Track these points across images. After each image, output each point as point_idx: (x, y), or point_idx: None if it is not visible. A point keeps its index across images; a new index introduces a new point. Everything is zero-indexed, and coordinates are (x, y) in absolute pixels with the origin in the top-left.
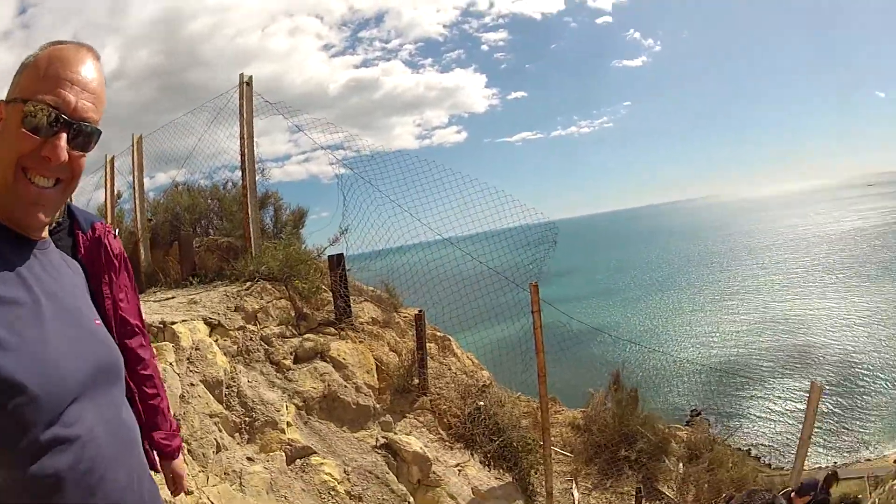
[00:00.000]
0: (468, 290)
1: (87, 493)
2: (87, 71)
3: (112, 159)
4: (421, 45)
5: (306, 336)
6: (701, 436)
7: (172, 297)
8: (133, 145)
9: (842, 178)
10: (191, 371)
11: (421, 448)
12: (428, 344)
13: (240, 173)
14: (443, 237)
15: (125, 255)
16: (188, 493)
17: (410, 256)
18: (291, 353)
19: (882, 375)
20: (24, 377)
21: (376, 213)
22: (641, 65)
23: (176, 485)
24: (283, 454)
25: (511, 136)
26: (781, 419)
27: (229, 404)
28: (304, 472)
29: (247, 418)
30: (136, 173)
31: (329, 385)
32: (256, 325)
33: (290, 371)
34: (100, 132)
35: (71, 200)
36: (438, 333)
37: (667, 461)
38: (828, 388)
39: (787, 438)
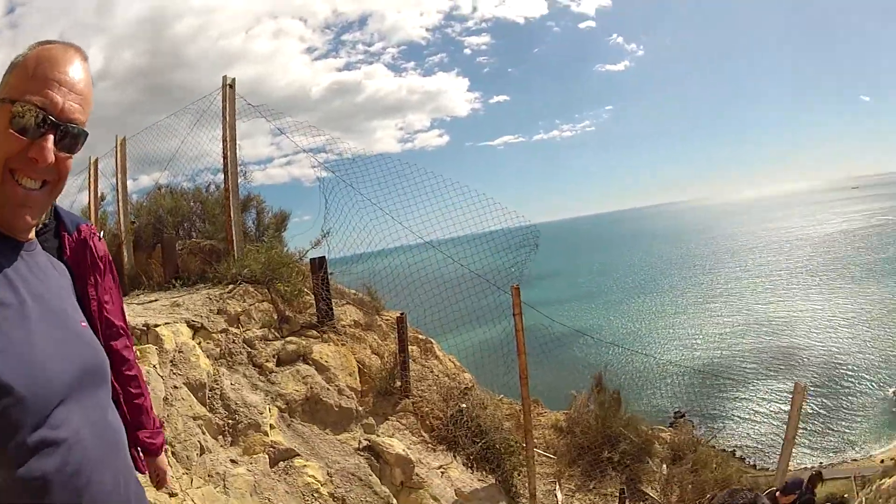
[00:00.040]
0: (450, 293)
1: (74, 495)
2: (75, 71)
3: (96, 161)
4: (404, 48)
5: (289, 339)
6: (685, 437)
7: (155, 300)
8: (116, 147)
9: (827, 182)
10: (174, 374)
11: (404, 450)
12: (410, 347)
13: (222, 176)
14: (425, 240)
15: (110, 257)
16: (172, 494)
17: (392, 259)
18: (274, 356)
19: (867, 376)
20: (10, 378)
21: (358, 216)
22: (624, 69)
23: (159, 479)
24: (267, 456)
25: (493, 139)
26: (766, 420)
27: (212, 407)
28: (287, 474)
29: (230, 421)
30: (119, 175)
31: (311, 388)
32: (239, 328)
33: (273, 374)
34: (86, 134)
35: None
36: (420, 336)
37: (650, 462)
38: (812, 389)
39: (772, 439)
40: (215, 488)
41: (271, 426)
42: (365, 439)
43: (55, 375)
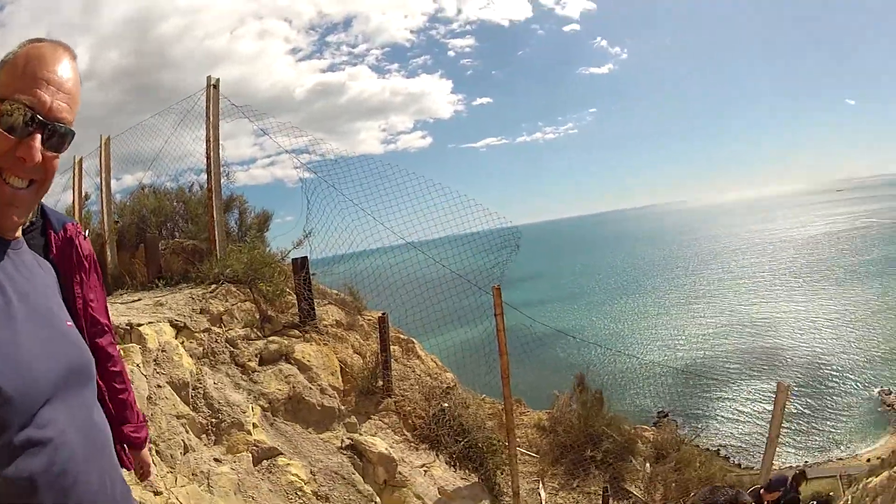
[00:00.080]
0: (431, 294)
1: (61, 495)
2: (64, 70)
3: (80, 161)
4: (388, 50)
5: (271, 338)
6: (668, 436)
7: (139, 300)
8: (101, 147)
9: (811, 184)
10: (157, 373)
11: (386, 449)
12: (392, 346)
13: (205, 176)
14: (406, 241)
15: (94, 255)
16: (157, 493)
17: (374, 260)
18: (256, 356)
19: (851, 376)
20: None
21: (340, 216)
22: (608, 72)
23: (143, 470)
24: (250, 455)
25: (476, 141)
26: (750, 420)
27: (196, 406)
28: (270, 472)
29: (213, 420)
30: (103, 175)
31: (294, 387)
32: (222, 328)
33: (256, 373)
34: (73, 133)
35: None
36: (402, 336)
37: (633, 461)
38: (797, 389)
39: (757, 439)
40: (199, 487)
41: (254, 425)
42: (348, 438)
43: (41, 375)
